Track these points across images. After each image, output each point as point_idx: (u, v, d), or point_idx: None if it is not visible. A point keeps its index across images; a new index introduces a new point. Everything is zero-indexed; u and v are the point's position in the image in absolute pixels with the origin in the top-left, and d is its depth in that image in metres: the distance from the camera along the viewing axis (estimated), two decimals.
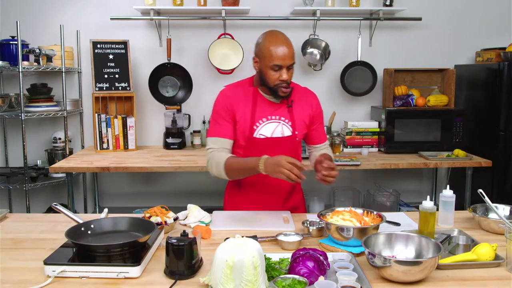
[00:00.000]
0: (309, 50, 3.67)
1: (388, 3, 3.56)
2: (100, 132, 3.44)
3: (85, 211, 3.81)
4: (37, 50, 3.28)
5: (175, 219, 1.80)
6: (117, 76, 3.52)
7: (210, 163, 1.96)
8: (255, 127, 1.98)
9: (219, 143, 1.97)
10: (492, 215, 1.84)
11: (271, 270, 1.35)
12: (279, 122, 2.01)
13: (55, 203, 1.66)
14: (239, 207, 2.11)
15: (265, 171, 1.76)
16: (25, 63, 3.25)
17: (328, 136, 3.49)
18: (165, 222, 1.74)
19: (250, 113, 1.98)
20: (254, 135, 1.99)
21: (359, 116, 3.84)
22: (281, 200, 2.10)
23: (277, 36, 1.94)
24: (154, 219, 1.73)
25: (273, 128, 2.00)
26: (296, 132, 2.03)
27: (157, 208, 1.82)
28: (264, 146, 1.99)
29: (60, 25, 3.39)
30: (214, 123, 2.01)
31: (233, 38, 3.60)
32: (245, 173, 1.90)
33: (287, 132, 2.02)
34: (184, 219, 1.90)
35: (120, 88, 3.51)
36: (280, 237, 1.64)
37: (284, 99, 2.00)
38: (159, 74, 3.61)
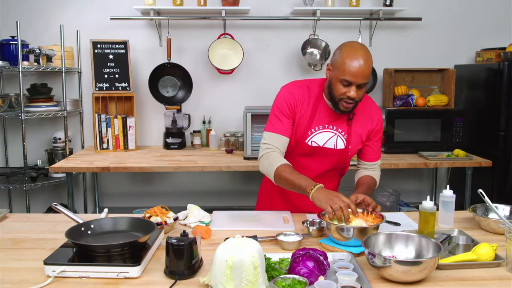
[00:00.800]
0: (309, 50, 3.68)
1: (388, 3, 3.56)
2: (100, 132, 3.44)
3: (85, 211, 3.81)
4: (37, 50, 3.28)
5: (175, 219, 1.80)
6: (117, 76, 3.52)
7: (264, 160, 1.89)
8: (309, 133, 1.91)
9: (276, 141, 1.89)
10: (492, 215, 1.84)
11: (271, 270, 1.35)
12: (335, 133, 1.92)
13: (55, 203, 1.66)
14: (272, 207, 2.10)
15: (316, 197, 1.67)
16: (25, 63, 3.25)
17: None
18: (165, 222, 1.74)
19: (308, 117, 1.90)
20: (306, 141, 1.92)
21: None
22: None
23: (356, 50, 1.77)
24: (154, 219, 1.73)
25: (327, 137, 1.92)
26: (350, 147, 1.94)
27: (157, 208, 1.81)
28: (312, 153, 1.94)
29: (60, 25, 3.39)
30: (275, 118, 1.91)
31: (233, 38, 3.61)
32: (293, 187, 1.80)
33: (341, 145, 1.93)
34: (184, 219, 1.90)
35: (120, 88, 3.51)
36: (280, 237, 1.64)
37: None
38: (159, 74, 3.61)
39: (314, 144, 1.93)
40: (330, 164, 1.98)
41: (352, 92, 1.77)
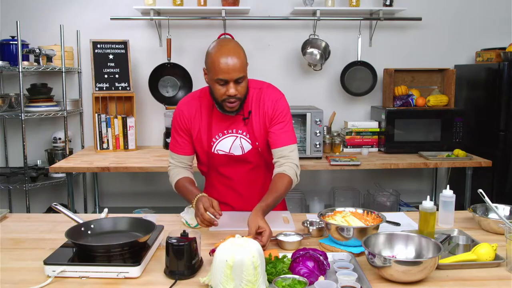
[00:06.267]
0: (309, 50, 3.67)
1: (388, 3, 3.56)
2: (100, 132, 3.44)
3: (85, 211, 3.81)
4: (37, 50, 3.28)
5: None
6: (117, 76, 3.52)
7: (169, 177, 2.00)
8: (212, 143, 1.91)
9: (176, 159, 1.98)
10: (492, 215, 1.84)
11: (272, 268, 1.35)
12: (236, 136, 1.89)
13: (55, 203, 1.66)
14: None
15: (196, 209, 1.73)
16: (25, 63, 3.25)
17: (328, 136, 3.50)
18: None
19: (206, 128, 1.89)
20: (213, 151, 1.92)
21: (359, 116, 3.84)
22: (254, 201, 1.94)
23: (223, 46, 1.74)
24: None
25: (230, 142, 1.90)
26: (257, 143, 1.90)
27: None
28: (227, 162, 1.93)
29: (60, 25, 3.39)
30: (172, 137, 1.98)
31: (233, 38, 3.60)
32: (186, 199, 1.86)
33: (247, 145, 1.90)
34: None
35: (120, 88, 3.51)
36: (280, 237, 1.64)
37: (240, 110, 1.83)
38: (159, 74, 3.61)
39: (221, 152, 1.91)
40: (248, 166, 1.95)
41: (231, 89, 1.72)
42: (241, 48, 1.77)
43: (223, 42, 1.78)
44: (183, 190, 1.88)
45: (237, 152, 1.91)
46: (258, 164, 1.97)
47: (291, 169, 1.85)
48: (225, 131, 1.90)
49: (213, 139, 1.90)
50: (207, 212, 1.67)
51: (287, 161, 1.86)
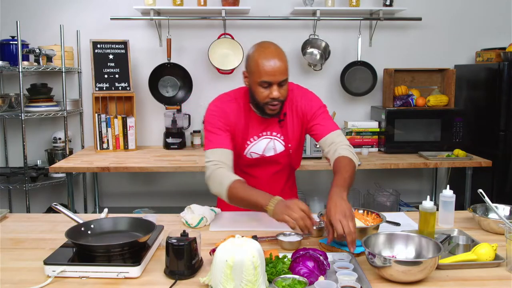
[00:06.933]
0: (309, 50, 3.68)
1: (388, 3, 3.56)
2: (100, 132, 3.44)
3: (85, 211, 3.81)
4: (37, 50, 3.28)
5: None
6: (117, 76, 3.52)
7: (212, 179, 1.78)
8: (246, 146, 1.90)
9: (220, 155, 1.79)
10: (492, 215, 1.84)
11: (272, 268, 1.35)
12: (271, 138, 1.91)
13: (55, 203, 1.66)
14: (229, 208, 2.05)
15: (273, 212, 1.57)
16: (25, 63, 3.25)
17: None
18: None
19: (242, 129, 1.88)
20: (245, 153, 1.91)
21: (359, 116, 3.85)
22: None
23: (266, 48, 1.74)
24: None
25: (264, 144, 1.91)
26: (289, 145, 1.93)
27: None
28: (256, 163, 1.94)
29: (60, 25, 3.39)
30: (212, 134, 1.84)
31: (233, 38, 3.60)
32: (249, 205, 1.69)
33: (280, 147, 1.93)
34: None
35: (120, 88, 3.52)
36: (280, 237, 1.64)
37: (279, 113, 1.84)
38: (159, 74, 3.61)
39: (254, 156, 1.93)
40: (276, 167, 1.97)
41: (275, 92, 1.73)
42: (283, 50, 1.77)
43: (266, 45, 1.77)
44: (246, 192, 1.68)
45: (270, 153, 1.92)
46: (285, 166, 1.99)
47: (345, 150, 1.82)
48: (261, 134, 1.90)
49: (248, 142, 1.90)
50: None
51: (338, 146, 1.85)
